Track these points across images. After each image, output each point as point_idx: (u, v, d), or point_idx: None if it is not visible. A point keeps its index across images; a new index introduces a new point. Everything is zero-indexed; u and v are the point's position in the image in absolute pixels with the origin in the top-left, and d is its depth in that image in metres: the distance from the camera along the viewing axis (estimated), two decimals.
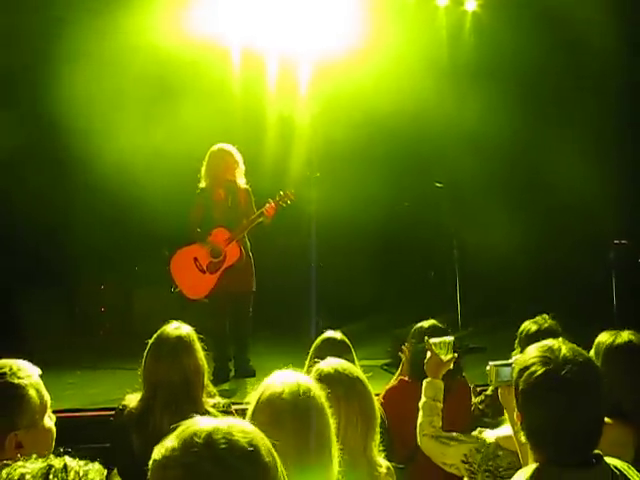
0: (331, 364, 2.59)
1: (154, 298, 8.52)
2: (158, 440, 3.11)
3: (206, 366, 3.25)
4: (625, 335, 2.95)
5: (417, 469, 3.69)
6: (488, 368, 2.61)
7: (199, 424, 1.36)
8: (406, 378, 4.03)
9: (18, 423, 2.07)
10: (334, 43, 8.47)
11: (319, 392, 2.07)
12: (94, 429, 4.52)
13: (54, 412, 5.16)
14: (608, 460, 1.99)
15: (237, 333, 6.64)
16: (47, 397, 2.20)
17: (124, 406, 3.17)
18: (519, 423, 2.06)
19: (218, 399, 3.25)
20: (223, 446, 1.31)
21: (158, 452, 1.36)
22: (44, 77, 7.96)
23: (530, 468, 1.99)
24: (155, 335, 3.23)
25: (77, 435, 4.62)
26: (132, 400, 3.18)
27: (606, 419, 2.43)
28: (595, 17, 8.01)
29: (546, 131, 8.96)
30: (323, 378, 2.51)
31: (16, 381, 2.09)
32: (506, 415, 2.67)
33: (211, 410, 3.08)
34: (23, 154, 8.02)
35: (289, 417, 1.96)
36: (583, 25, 8.03)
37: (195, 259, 6.51)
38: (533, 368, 2.00)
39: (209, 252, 6.46)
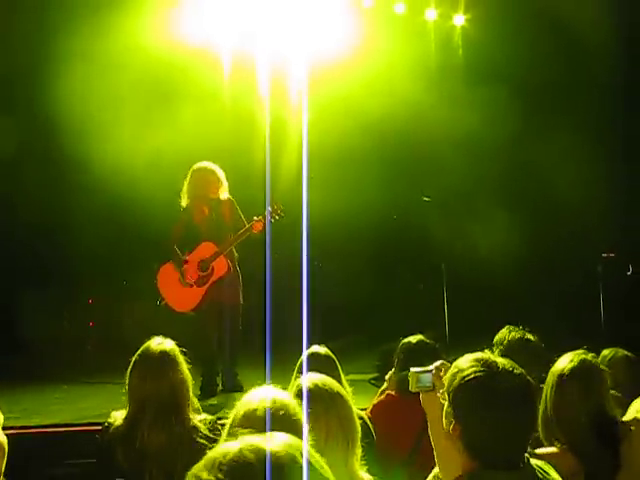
0: (311, 379, 2.59)
1: (143, 312, 8.50)
2: (144, 454, 3.11)
3: (191, 380, 3.24)
4: (576, 360, 3.00)
5: None
6: (409, 374, 2.71)
7: None
8: (393, 393, 4.02)
9: None
10: (327, 50, 8.53)
11: (295, 409, 2.06)
12: (82, 444, 4.48)
13: (42, 427, 5.15)
14: (532, 461, 2.08)
15: (225, 347, 6.61)
16: None
17: (109, 423, 3.15)
18: (452, 432, 2.09)
19: (204, 415, 3.23)
20: None
21: None
22: (42, 79, 7.99)
23: (464, 476, 2.04)
24: (138, 352, 3.21)
25: (65, 450, 4.63)
26: (117, 418, 3.16)
27: (555, 449, 2.51)
28: (588, 20, 8.06)
29: (536, 138, 9.00)
30: (304, 393, 2.52)
31: None
32: None
33: (198, 425, 3.06)
34: (20, 156, 8.02)
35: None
36: (574, 30, 8.09)
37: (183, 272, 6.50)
38: (472, 382, 2.04)
39: (197, 265, 6.43)
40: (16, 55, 8.11)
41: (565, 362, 3.02)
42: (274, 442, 1.28)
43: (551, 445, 2.91)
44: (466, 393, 2.05)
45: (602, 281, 7.66)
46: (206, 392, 6.26)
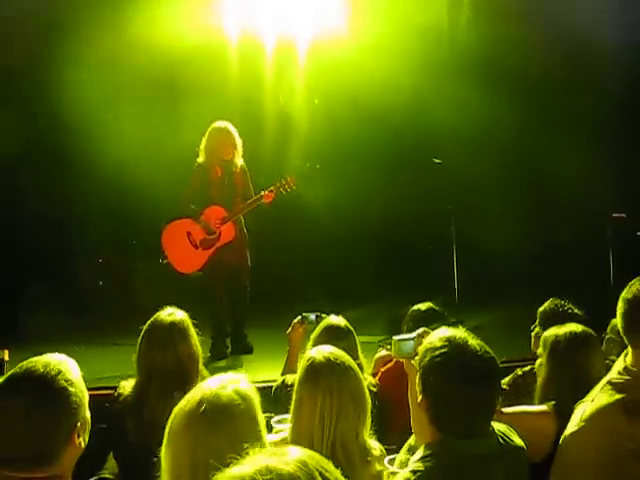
0: (323, 352, 2.59)
1: (153, 272, 8.53)
2: (153, 426, 3.14)
3: (200, 352, 3.25)
4: (569, 327, 3.11)
5: None
6: (392, 341, 2.84)
7: None
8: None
9: None
10: (337, 35, 8.52)
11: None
12: (94, 409, 4.51)
13: None
14: (494, 426, 2.20)
15: (234, 309, 6.64)
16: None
17: (119, 393, 3.18)
18: (420, 404, 2.20)
19: None
20: None
21: None
22: (46, 74, 7.94)
23: (431, 443, 2.16)
24: (149, 321, 3.22)
25: None
26: (126, 387, 3.18)
27: (545, 407, 2.72)
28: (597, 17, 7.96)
29: (544, 121, 8.98)
30: (315, 366, 2.51)
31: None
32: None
33: None
34: (24, 152, 8.03)
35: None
36: (584, 24, 7.96)
37: (189, 233, 6.48)
38: (441, 359, 2.13)
39: (203, 228, 6.44)
40: (22, 51, 8.05)
41: (560, 329, 3.13)
42: (289, 461, 1.18)
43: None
44: (434, 370, 2.14)
45: (612, 243, 7.62)
46: (215, 354, 6.30)
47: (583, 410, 2.58)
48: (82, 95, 7.71)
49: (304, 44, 8.83)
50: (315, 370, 2.51)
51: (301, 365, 2.59)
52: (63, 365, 2.08)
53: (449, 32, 9.27)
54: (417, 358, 2.27)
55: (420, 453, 2.15)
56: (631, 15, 8.54)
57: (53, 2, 8.23)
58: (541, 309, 3.88)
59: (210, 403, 1.85)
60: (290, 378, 3.38)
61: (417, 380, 2.22)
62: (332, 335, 3.60)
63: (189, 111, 7.77)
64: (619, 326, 2.70)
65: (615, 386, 2.54)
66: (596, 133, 8.75)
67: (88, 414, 2.11)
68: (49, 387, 2.01)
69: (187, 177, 6.61)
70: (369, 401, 2.57)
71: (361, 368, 3.74)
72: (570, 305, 3.82)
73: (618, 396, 2.51)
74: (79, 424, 2.03)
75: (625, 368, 2.57)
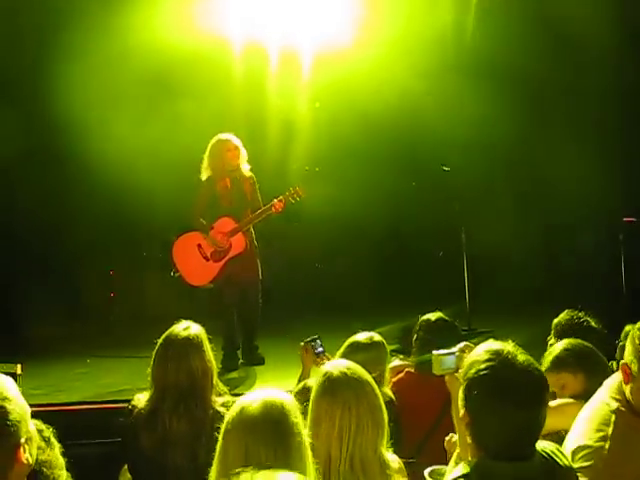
0: (339, 367, 2.57)
1: (164, 283, 8.54)
2: (167, 439, 3.14)
3: (215, 366, 3.25)
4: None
5: (427, 461, 3.70)
6: (432, 357, 2.79)
7: None
8: (412, 370, 4.02)
9: None
10: (337, 38, 8.48)
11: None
12: (106, 422, 4.53)
13: (66, 404, 5.22)
14: (539, 446, 2.07)
15: (245, 321, 6.64)
16: None
17: (133, 406, 3.18)
18: (462, 419, 2.11)
19: (227, 398, 3.24)
20: None
21: None
22: (45, 75, 7.96)
23: (471, 462, 2.06)
24: (164, 335, 3.22)
25: (89, 429, 4.69)
26: (141, 400, 3.19)
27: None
28: (597, 15, 7.95)
29: (549, 120, 8.96)
30: (332, 381, 2.51)
31: None
32: None
33: (221, 410, 3.06)
34: (24, 151, 8.05)
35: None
36: (587, 25, 7.96)
37: (199, 246, 6.47)
38: (487, 375, 2.03)
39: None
40: (20, 52, 8.09)
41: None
42: None
43: None
44: (478, 386, 2.04)
45: (624, 247, 7.58)
46: (227, 366, 6.29)
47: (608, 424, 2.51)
48: (81, 96, 7.70)
49: (306, 49, 8.81)
50: (332, 385, 2.49)
51: (317, 381, 2.57)
52: None
53: (455, 38, 9.25)
54: (462, 371, 2.18)
55: (457, 471, 2.08)
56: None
57: (52, 3, 8.26)
58: (556, 321, 3.84)
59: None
60: (311, 382, 3.39)
61: (460, 393, 2.13)
62: (356, 350, 3.60)
63: (188, 114, 7.80)
64: None
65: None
66: (606, 137, 8.75)
67: (32, 428, 2.02)
68: None
69: (187, 181, 6.67)
70: (386, 415, 2.56)
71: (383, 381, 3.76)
72: (586, 317, 3.78)
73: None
74: (22, 440, 1.96)
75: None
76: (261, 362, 6.55)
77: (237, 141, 6.49)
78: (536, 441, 2.06)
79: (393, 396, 3.73)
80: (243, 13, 8.60)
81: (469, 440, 2.10)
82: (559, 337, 3.63)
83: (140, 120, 7.82)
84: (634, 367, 2.44)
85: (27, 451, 1.96)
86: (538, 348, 3.87)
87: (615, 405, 2.49)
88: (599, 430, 2.45)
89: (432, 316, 4.09)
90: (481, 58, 8.67)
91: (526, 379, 2.01)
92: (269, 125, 8.89)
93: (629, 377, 2.47)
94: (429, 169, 8.17)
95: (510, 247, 8.22)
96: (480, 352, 2.10)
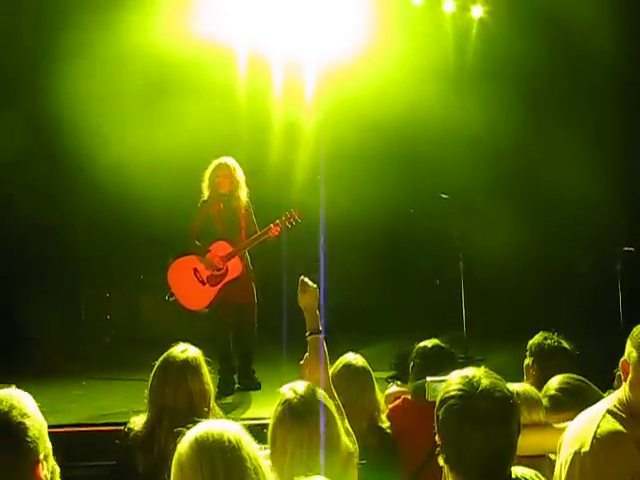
0: (298, 391, 2.55)
1: (161, 306, 8.53)
2: (163, 462, 3.12)
3: (212, 389, 3.25)
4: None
5: None
6: (425, 383, 2.92)
7: None
8: (409, 397, 4.02)
9: None
10: (340, 47, 8.50)
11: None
12: (102, 445, 4.51)
13: (61, 426, 5.19)
14: (518, 472, 2.10)
15: (242, 345, 6.64)
16: None
17: (129, 429, 3.17)
18: (437, 442, 2.14)
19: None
20: None
21: None
22: (45, 76, 8.00)
23: None
24: (162, 357, 3.23)
25: (86, 451, 4.66)
26: (137, 423, 3.18)
27: None
28: (599, 20, 8.01)
29: (551, 137, 8.96)
30: (291, 409, 2.49)
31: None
32: None
33: None
34: (24, 156, 8.05)
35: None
36: (587, 29, 8.02)
37: (195, 270, 6.50)
38: (452, 400, 2.07)
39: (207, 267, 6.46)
40: (21, 53, 8.14)
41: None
42: None
43: None
44: (445, 411, 2.08)
45: (621, 277, 7.60)
46: (223, 390, 6.27)
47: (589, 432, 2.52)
48: (82, 97, 7.75)
49: (312, 54, 8.88)
50: (289, 413, 2.49)
51: (276, 405, 2.56)
52: (16, 400, 1.99)
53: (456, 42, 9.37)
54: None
55: None
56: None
57: (52, 3, 8.30)
58: (530, 342, 3.93)
59: None
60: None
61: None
62: (349, 375, 3.61)
63: (191, 122, 7.80)
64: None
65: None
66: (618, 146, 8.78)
67: (49, 445, 2.01)
68: (4, 424, 1.92)
69: (187, 198, 6.68)
70: (340, 441, 2.57)
71: (378, 409, 3.76)
72: (558, 339, 3.86)
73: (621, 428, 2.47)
74: (42, 456, 1.96)
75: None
76: (257, 387, 6.54)
77: (232, 167, 6.51)
78: (506, 466, 2.07)
79: (388, 423, 3.73)
80: (250, 21, 8.66)
81: (441, 463, 2.13)
82: (533, 357, 3.83)
83: (144, 124, 7.83)
84: (633, 356, 2.46)
85: (45, 467, 1.96)
86: None
87: (609, 407, 2.51)
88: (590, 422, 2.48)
89: (429, 343, 4.09)
90: (487, 70, 8.75)
91: (488, 404, 2.04)
92: (272, 132, 8.93)
93: (627, 370, 2.50)
94: (433, 196, 8.16)
95: (508, 270, 8.22)
96: (455, 377, 2.15)
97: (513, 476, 2.08)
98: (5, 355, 7.07)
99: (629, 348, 2.52)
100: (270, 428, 2.51)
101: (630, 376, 2.49)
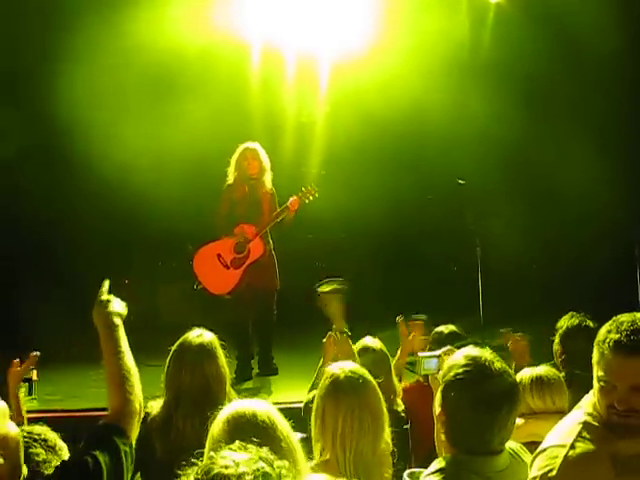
0: (344, 369, 2.61)
1: (179, 293, 8.59)
2: (181, 446, 3.16)
3: (228, 373, 3.27)
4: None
5: None
6: (417, 359, 2.99)
7: None
8: (422, 379, 4.05)
9: None
10: (349, 42, 8.52)
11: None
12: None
13: (79, 411, 5.24)
14: (507, 445, 2.24)
15: (260, 331, 6.67)
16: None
17: (147, 413, 3.20)
18: (438, 417, 2.26)
19: None
20: None
21: None
22: (50, 75, 8.03)
23: (446, 457, 2.21)
24: (177, 342, 3.26)
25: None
26: (154, 407, 3.21)
27: None
28: (610, 18, 7.97)
29: (560, 131, 8.94)
30: (337, 384, 2.55)
31: None
32: None
33: None
34: (30, 153, 8.11)
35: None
36: (598, 26, 7.98)
37: (219, 255, 6.54)
38: (466, 383, 2.17)
39: (234, 246, 6.48)
40: (21, 52, 8.16)
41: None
42: None
43: None
44: (454, 387, 2.19)
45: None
46: (241, 376, 6.33)
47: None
48: (90, 94, 7.80)
49: (320, 49, 8.89)
50: (337, 387, 2.54)
51: (323, 381, 2.61)
52: None
53: (470, 48, 9.30)
54: (441, 373, 2.33)
55: (433, 466, 2.21)
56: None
57: (55, 2, 8.34)
58: (558, 324, 4.00)
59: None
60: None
61: (438, 394, 2.27)
62: (367, 358, 3.66)
63: (192, 113, 7.85)
64: None
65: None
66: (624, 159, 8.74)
67: (13, 429, 2.02)
68: None
69: (201, 189, 6.69)
70: (387, 418, 2.61)
71: (394, 392, 3.79)
72: (584, 318, 3.91)
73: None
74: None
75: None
76: (275, 372, 6.58)
77: (259, 152, 6.57)
78: (506, 440, 2.21)
79: (403, 406, 3.77)
80: (262, 16, 8.66)
81: (442, 437, 2.24)
82: (561, 338, 3.89)
83: (152, 120, 7.89)
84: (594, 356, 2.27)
85: None
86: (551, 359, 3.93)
87: (584, 418, 2.39)
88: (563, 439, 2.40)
89: (445, 329, 4.13)
90: (497, 69, 8.70)
91: (498, 386, 2.15)
92: (283, 128, 8.94)
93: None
94: (449, 184, 8.14)
95: (524, 257, 8.20)
96: (459, 357, 2.25)
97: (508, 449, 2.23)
98: (23, 342, 7.15)
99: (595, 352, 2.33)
100: (317, 405, 2.56)
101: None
